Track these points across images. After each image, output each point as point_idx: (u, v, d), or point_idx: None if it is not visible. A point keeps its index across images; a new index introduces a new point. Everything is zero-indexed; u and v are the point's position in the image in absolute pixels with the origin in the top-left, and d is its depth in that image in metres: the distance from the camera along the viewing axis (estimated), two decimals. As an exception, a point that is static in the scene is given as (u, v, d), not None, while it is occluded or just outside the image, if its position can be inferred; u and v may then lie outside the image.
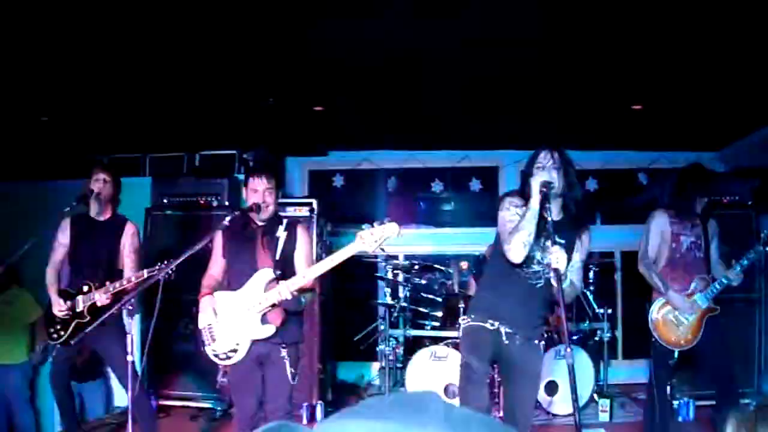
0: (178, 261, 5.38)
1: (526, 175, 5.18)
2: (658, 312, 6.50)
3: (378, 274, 10.25)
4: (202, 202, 8.90)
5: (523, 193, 5.14)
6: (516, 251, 4.94)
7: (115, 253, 6.72)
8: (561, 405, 8.11)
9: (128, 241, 6.77)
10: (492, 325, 5.17)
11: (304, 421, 8.24)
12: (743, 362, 8.46)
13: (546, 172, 4.99)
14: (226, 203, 8.82)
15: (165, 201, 9.03)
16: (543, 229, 4.99)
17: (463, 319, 5.42)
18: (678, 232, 6.57)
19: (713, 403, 6.93)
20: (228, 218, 5.55)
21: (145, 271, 6.22)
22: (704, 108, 8.73)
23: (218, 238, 5.79)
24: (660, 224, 6.63)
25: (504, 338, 5.17)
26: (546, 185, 4.87)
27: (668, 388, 6.66)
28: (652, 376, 6.57)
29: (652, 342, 6.57)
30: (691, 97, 8.27)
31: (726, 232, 7.79)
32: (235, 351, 5.48)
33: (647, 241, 6.64)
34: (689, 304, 6.38)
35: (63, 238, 6.79)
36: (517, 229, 4.93)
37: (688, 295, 6.42)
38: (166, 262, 5.67)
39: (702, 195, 6.61)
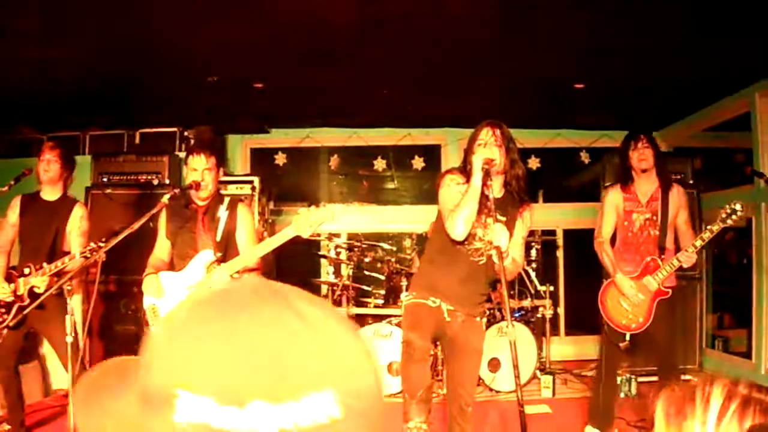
0: (114, 242, 5.32)
1: (467, 152, 5.17)
2: (607, 294, 6.44)
3: (320, 253, 10.23)
4: (142, 180, 8.81)
5: (465, 171, 5.14)
6: (457, 228, 4.93)
7: (61, 234, 6.61)
8: (504, 381, 8.18)
9: (76, 224, 6.66)
10: (434, 302, 5.16)
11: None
12: (685, 340, 8.58)
13: (488, 149, 4.99)
14: (167, 182, 8.75)
15: (105, 180, 8.92)
16: (484, 206, 5.00)
17: (405, 297, 5.42)
18: (630, 209, 6.49)
19: (655, 379, 7.00)
20: (166, 197, 5.50)
21: (78, 251, 6.12)
22: (646, 87, 8.80)
23: (162, 218, 5.74)
24: (613, 200, 6.56)
25: (446, 315, 5.16)
26: (488, 162, 4.87)
27: (616, 369, 6.70)
28: (602, 356, 6.59)
29: (601, 323, 6.55)
30: (632, 76, 8.32)
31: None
32: (178, 331, 5.44)
33: (602, 219, 6.60)
34: (636, 289, 6.28)
35: (12, 217, 6.66)
36: (459, 206, 4.92)
37: (637, 277, 6.33)
38: (98, 243, 5.59)
39: (647, 166, 6.44)
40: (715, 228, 6.00)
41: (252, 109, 10.10)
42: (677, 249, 6.38)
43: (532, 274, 9.32)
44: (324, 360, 0.92)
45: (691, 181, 8.89)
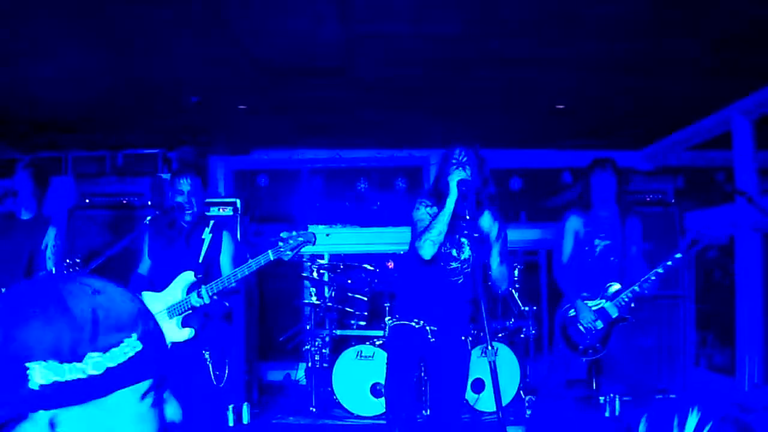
0: (95, 262, 5.30)
1: (439, 174, 5.21)
2: (566, 319, 6.37)
3: (303, 274, 10.20)
4: (125, 201, 8.78)
5: (435, 192, 5.16)
6: (426, 249, 4.96)
7: (36, 253, 6.56)
8: (487, 402, 8.15)
9: (51, 242, 6.61)
10: (417, 323, 5.16)
11: (231, 422, 8.19)
12: (669, 358, 8.57)
13: (462, 170, 5.01)
14: (149, 203, 8.71)
15: (87, 201, 8.87)
16: (459, 227, 5.02)
17: (389, 319, 5.41)
18: (592, 234, 6.45)
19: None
20: (148, 218, 5.49)
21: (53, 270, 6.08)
22: (627, 107, 8.83)
23: (144, 238, 5.72)
24: (573, 226, 6.52)
25: (430, 336, 5.16)
26: (464, 183, 4.89)
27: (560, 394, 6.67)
28: (551, 377, 6.57)
29: (557, 347, 6.50)
30: (613, 96, 8.35)
31: (649, 231, 7.89)
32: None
33: (561, 244, 6.55)
34: (595, 315, 6.21)
35: None
36: (429, 227, 4.94)
37: (598, 303, 6.27)
38: (75, 261, 5.57)
39: (608, 193, 6.46)
40: (677, 256, 6.01)
41: (234, 130, 10.10)
42: (637, 276, 6.32)
43: (515, 294, 9.31)
44: (124, 313, 1.33)
45: (672, 200, 8.90)
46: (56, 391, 1.21)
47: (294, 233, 5.22)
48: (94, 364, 1.23)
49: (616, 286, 6.27)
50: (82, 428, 1.26)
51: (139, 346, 1.32)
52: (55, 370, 1.21)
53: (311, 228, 5.39)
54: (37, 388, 1.20)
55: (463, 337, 5.27)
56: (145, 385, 1.35)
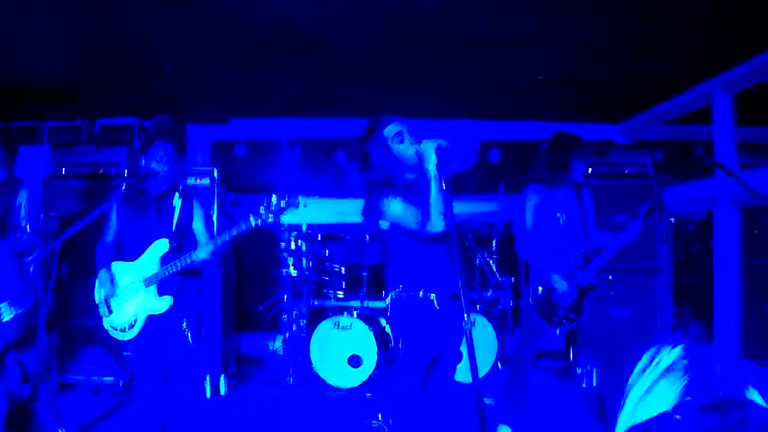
0: (70, 232, 5.24)
1: (380, 149, 5.11)
2: (539, 292, 6.34)
3: (281, 244, 10.17)
4: (101, 171, 8.69)
5: (385, 176, 5.09)
6: (437, 224, 4.84)
7: (8, 211, 6.48)
8: (464, 372, 8.15)
9: (24, 202, 6.54)
10: (422, 293, 5.10)
11: (208, 394, 8.18)
12: (645, 331, 8.60)
13: (412, 137, 4.96)
14: (126, 172, 8.63)
15: (63, 170, 8.79)
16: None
17: (393, 292, 5.28)
18: (553, 207, 6.42)
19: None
20: (123, 185, 5.45)
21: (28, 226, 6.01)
22: (606, 80, 8.82)
23: (113, 206, 5.64)
24: (534, 200, 6.45)
25: (435, 305, 5.10)
26: (441, 150, 4.80)
27: (531, 361, 6.67)
28: (523, 349, 6.57)
29: (525, 314, 6.48)
30: (592, 69, 8.34)
31: (628, 203, 7.91)
32: (132, 325, 5.37)
33: (523, 219, 6.48)
34: (569, 284, 6.22)
35: None
36: (431, 203, 4.83)
37: (566, 273, 6.26)
38: (47, 216, 5.53)
39: (567, 163, 6.43)
40: (634, 223, 6.14)
41: (212, 98, 10.03)
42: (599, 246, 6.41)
43: (493, 266, 9.31)
44: None
45: (651, 173, 8.90)
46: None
47: (274, 197, 5.19)
48: None
49: (584, 256, 6.33)
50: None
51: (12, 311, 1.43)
52: None
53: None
54: None
55: (456, 305, 5.20)
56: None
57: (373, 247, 9.50)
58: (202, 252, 5.24)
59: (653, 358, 1.61)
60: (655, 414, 1.48)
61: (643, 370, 1.61)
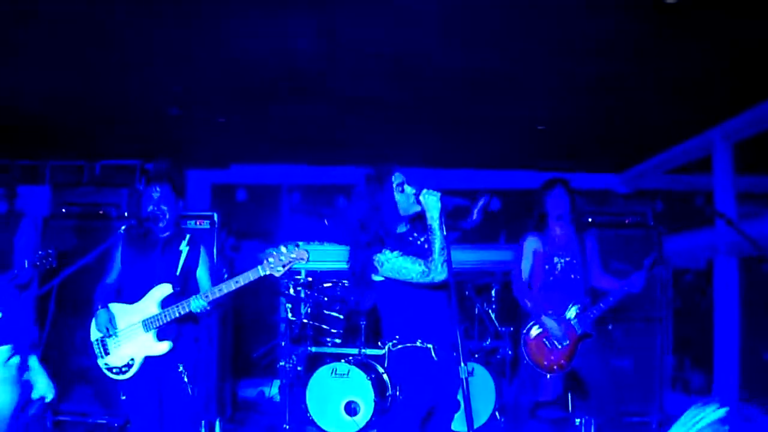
0: (68, 271, 5.23)
1: (380, 203, 5.06)
2: (532, 336, 6.34)
3: (280, 290, 10.15)
4: (101, 212, 8.69)
5: (381, 226, 5.05)
6: (441, 271, 4.80)
7: (10, 245, 6.47)
8: (461, 422, 8.08)
9: (24, 236, 6.54)
10: (421, 344, 5.05)
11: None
12: (645, 380, 8.55)
13: (429, 190, 4.93)
14: (126, 214, 8.63)
15: (64, 210, 8.79)
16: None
17: (390, 343, 5.21)
18: (551, 253, 6.45)
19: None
20: (123, 227, 5.44)
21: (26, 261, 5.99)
22: (607, 130, 8.85)
23: (116, 247, 5.63)
24: (531, 246, 6.50)
25: (433, 356, 5.05)
26: (446, 198, 4.80)
27: (528, 412, 6.64)
28: (520, 398, 6.54)
29: (522, 363, 6.46)
30: (593, 119, 8.37)
31: (628, 253, 7.91)
32: (129, 366, 5.33)
33: (520, 265, 6.53)
34: (563, 330, 6.22)
35: None
36: (436, 252, 4.79)
37: (562, 320, 6.26)
38: (48, 251, 5.52)
39: (563, 212, 6.51)
40: (640, 274, 6.12)
41: (213, 143, 10.06)
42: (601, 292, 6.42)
43: (492, 315, 9.28)
44: None
45: (651, 223, 8.89)
46: None
47: (284, 248, 5.15)
48: None
49: (581, 303, 6.31)
50: None
51: None
52: None
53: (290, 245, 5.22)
54: None
55: (454, 354, 5.15)
56: (6, 350, 1.61)
57: (363, 299, 9.47)
58: (204, 300, 5.22)
59: (696, 415, 1.60)
60: None
61: (684, 423, 1.60)
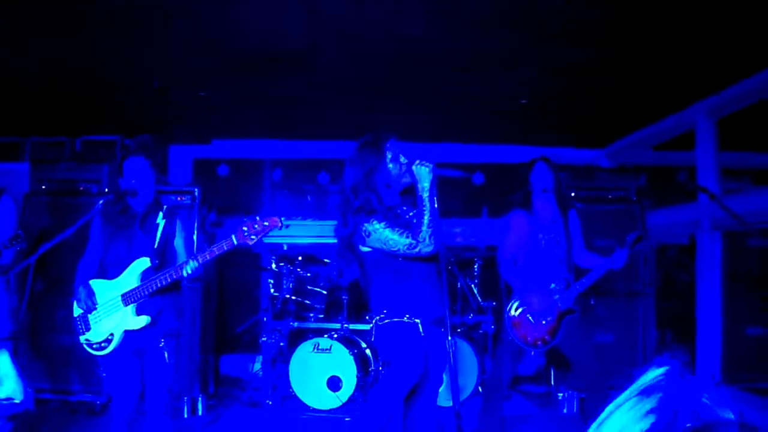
0: (45, 247, 5.19)
1: (372, 170, 5.04)
2: (515, 311, 6.32)
3: (262, 265, 10.13)
4: (81, 188, 8.63)
5: (372, 192, 5.02)
6: (429, 243, 4.80)
7: None
8: (445, 396, 8.10)
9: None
10: (408, 319, 5.03)
11: (185, 414, 8.11)
12: (628, 355, 8.57)
13: (422, 161, 4.90)
14: (106, 189, 8.58)
15: (44, 187, 8.73)
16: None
17: (377, 318, 5.20)
18: (535, 230, 6.44)
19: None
20: (101, 201, 5.40)
21: None
22: (590, 104, 8.84)
23: (96, 223, 5.58)
24: (516, 223, 6.48)
25: (421, 331, 5.03)
26: (438, 170, 4.80)
27: (505, 386, 6.65)
28: (497, 371, 6.54)
29: (504, 339, 6.45)
30: (576, 93, 8.36)
31: (611, 228, 7.91)
32: (109, 341, 5.30)
33: (505, 241, 6.52)
34: (547, 306, 6.24)
35: None
36: (424, 222, 4.79)
37: (546, 295, 6.28)
38: (17, 233, 5.48)
39: (547, 187, 6.51)
40: (623, 251, 6.13)
41: (195, 118, 10.01)
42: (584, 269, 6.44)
43: (475, 290, 9.27)
44: None
45: (634, 198, 8.89)
46: None
47: (258, 218, 5.13)
48: None
49: (565, 279, 6.32)
50: None
51: None
52: None
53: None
54: None
55: (442, 329, 5.14)
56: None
57: (350, 271, 9.45)
58: (189, 267, 5.19)
59: (640, 375, 1.60)
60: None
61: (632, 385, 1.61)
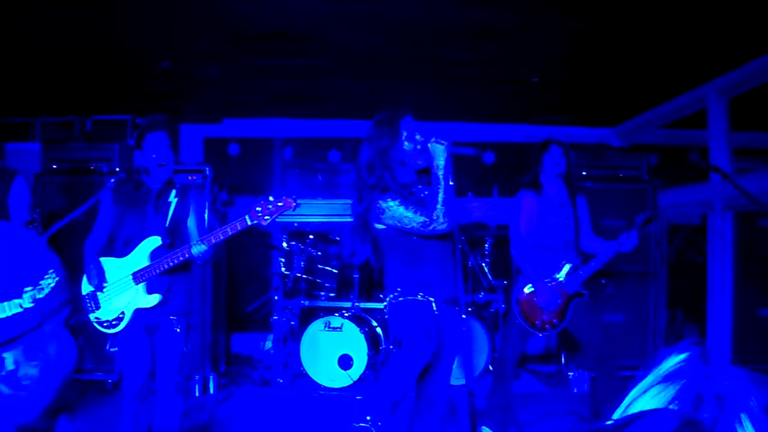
0: (57, 226, 5.19)
1: (387, 148, 5.04)
2: (523, 295, 6.34)
3: (273, 244, 10.14)
4: (92, 167, 8.65)
5: (387, 170, 5.03)
6: (444, 221, 4.80)
7: (3, 209, 6.42)
8: (457, 374, 8.11)
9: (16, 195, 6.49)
10: (422, 297, 5.03)
11: (197, 393, 8.14)
12: (639, 335, 8.57)
13: (438, 139, 4.90)
14: (117, 169, 8.58)
15: (55, 167, 8.74)
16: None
17: (391, 296, 5.20)
18: (544, 212, 6.41)
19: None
20: (113, 180, 5.39)
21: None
22: (602, 83, 8.81)
23: (106, 200, 5.57)
24: (526, 204, 6.45)
25: (434, 309, 5.04)
26: (452, 148, 4.80)
27: (516, 367, 6.64)
28: (505, 354, 6.52)
29: (510, 318, 6.49)
30: (588, 72, 8.33)
31: (622, 207, 7.89)
32: (119, 319, 5.30)
33: (516, 223, 6.48)
34: (555, 289, 6.23)
35: None
36: (439, 201, 4.79)
37: (554, 279, 6.28)
38: (31, 218, 5.47)
39: (559, 171, 6.49)
40: (633, 233, 6.11)
41: (206, 97, 9.99)
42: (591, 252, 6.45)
43: (486, 269, 9.27)
44: (40, 252, 1.60)
45: (645, 177, 8.87)
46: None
47: (271, 198, 5.12)
48: (28, 297, 1.55)
49: (572, 263, 6.31)
50: (32, 358, 1.51)
51: (56, 278, 1.67)
52: None
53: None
54: None
55: (456, 308, 5.14)
56: (64, 312, 1.71)
57: (364, 250, 9.47)
58: (195, 249, 5.18)
59: (662, 361, 1.60)
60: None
61: (650, 371, 1.60)
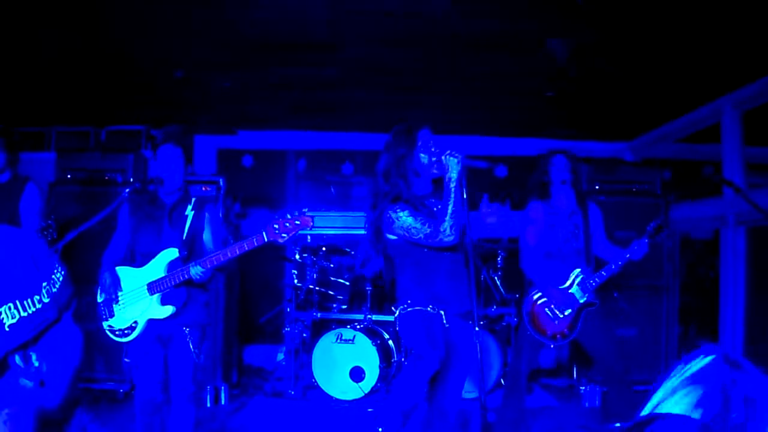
0: (71, 235, 5.22)
1: (401, 159, 5.08)
2: (534, 304, 6.30)
3: (285, 256, 10.15)
4: (106, 178, 8.67)
5: (401, 178, 5.05)
6: (451, 233, 4.83)
7: (15, 214, 6.45)
8: (469, 387, 8.10)
9: (29, 202, 6.51)
10: (432, 309, 5.05)
11: (208, 404, 8.14)
12: (651, 349, 8.55)
13: (452, 151, 4.92)
14: (131, 179, 8.61)
15: (69, 176, 8.76)
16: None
17: (402, 307, 5.21)
18: (554, 221, 6.42)
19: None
20: (127, 190, 5.41)
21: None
22: (615, 98, 8.81)
23: (123, 212, 5.60)
24: (534, 215, 6.47)
25: (444, 322, 5.05)
26: (467, 162, 4.83)
27: (527, 379, 6.62)
28: (516, 365, 6.52)
29: (521, 331, 6.47)
30: (602, 86, 8.33)
31: (635, 221, 7.88)
32: (132, 329, 5.32)
33: (524, 233, 6.50)
34: (566, 299, 6.20)
35: None
36: (448, 212, 4.82)
37: (565, 288, 6.25)
38: (45, 225, 5.50)
39: (565, 178, 6.43)
40: (643, 241, 6.08)
41: (219, 108, 10.03)
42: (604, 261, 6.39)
43: (498, 282, 9.26)
44: (44, 248, 1.72)
45: (659, 192, 8.85)
46: (22, 326, 1.52)
47: (288, 215, 5.11)
48: (45, 292, 1.56)
49: (583, 272, 6.25)
50: (50, 353, 1.65)
51: (62, 272, 1.72)
52: (20, 308, 1.49)
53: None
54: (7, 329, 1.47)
55: (469, 322, 5.14)
56: (73, 304, 1.76)
57: (377, 260, 9.45)
58: (201, 267, 5.18)
59: (686, 363, 1.61)
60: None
61: (675, 373, 1.61)
